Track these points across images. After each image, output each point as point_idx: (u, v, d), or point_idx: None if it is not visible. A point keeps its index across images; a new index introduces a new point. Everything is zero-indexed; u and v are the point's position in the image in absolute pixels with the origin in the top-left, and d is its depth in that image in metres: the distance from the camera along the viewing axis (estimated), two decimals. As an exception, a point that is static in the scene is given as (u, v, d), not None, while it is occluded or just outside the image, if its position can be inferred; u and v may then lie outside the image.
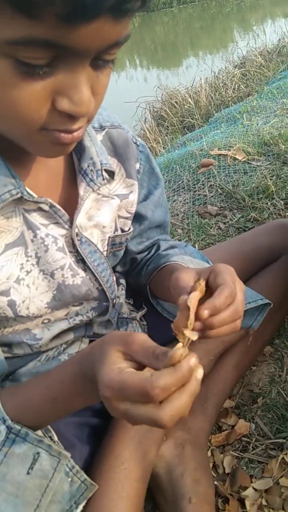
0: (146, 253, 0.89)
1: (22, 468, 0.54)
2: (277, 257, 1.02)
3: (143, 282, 0.88)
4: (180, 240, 1.53)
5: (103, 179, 0.65)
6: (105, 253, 0.73)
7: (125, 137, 0.73)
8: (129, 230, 0.80)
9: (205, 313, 0.52)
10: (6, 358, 0.68)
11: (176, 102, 4.20)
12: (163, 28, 11.38)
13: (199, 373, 0.43)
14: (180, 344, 0.46)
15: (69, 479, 0.58)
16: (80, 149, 0.64)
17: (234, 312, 0.54)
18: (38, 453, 0.54)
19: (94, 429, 0.76)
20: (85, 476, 0.59)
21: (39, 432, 0.57)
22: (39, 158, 0.60)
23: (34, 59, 0.39)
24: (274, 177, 1.72)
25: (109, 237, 0.74)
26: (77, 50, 0.40)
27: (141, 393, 0.41)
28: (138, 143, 0.78)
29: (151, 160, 0.81)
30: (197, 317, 0.52)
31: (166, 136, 3.69)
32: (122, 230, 0.78)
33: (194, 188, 1.80)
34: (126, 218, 0.79)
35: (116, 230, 0.76)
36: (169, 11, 12.92)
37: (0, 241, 0.59)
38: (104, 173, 0.66)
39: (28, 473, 0.54)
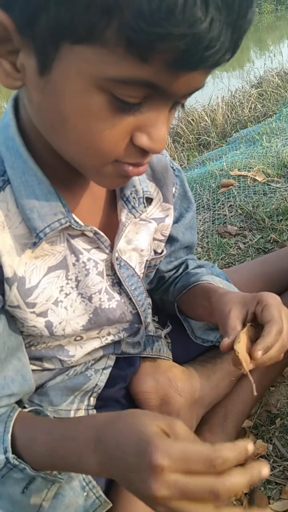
0: (174, 271, 0.91)
1: (17, 487, 0.57)
2: (301, 280, 1.03)
3: (170, 299, 0.90)
4: (200, 259, 1.55)
5: (144, 206, 0.68)
6: (141, 275, 0.75)
7: (164, 163, 0.75)
8: (162, 252, 0.81)
9: (259, 354, 0.56)
10: (34, 371, 0.70)
11: (192, 120, 4.25)
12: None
13: (264, 470, 0.43)
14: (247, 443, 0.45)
15: (85, 494, 0.61)
16: None
17: (282, 347, 0.59)
18: (34, 477, 0.57)
19: None
20: (101, 492, 0.61)
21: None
22: (85, 184, 0.62)
23: (130, 97, 0.41)
24: (294, 199, 1.75)
25: (147, 260, 0.76)
26: (170, 93, 0.42)
27: (205, 461, 0.40)
28: (174, 167, 0.80)
29: (185, 183, 0.83)
30: (251, 356, 0.57)
31: (182, 153, 3.73)
32: (155, 252, 0.80)
33: (214, 207, 1.83)
34: (160, 240, 0.80)
35: (150, 253, 0.78)
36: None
37: (43, 264, 0.60)
38: (151, 197, 0.69)
39: (23, 492, 0.57)
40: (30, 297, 0.60)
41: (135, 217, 0.67)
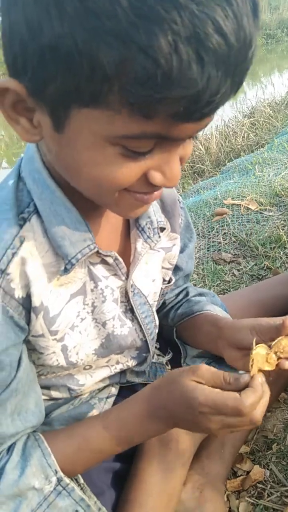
0: (173, 297, 0.94)
1: None
2: (293, 307, 1.06)
3: (169, 324, 0.94)
4: (195, 285, 1.58)
5: (159, 236, 0.70)
6: (155, 303, 0.78)
7: (173, 196, 0.78)
8: (170, 281, 0.84)
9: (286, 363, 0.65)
10: None
11: (187, 148, 4.32)
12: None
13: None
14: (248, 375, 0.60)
15: None
16: None
17: None
18: (77, 510, 0.59)
19: (116, 473, 0.78)
20: None
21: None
22: (103, 214, 0.64)
23: (140, 148, 0.43)
24: (286, 227, 1.79)
25: (162, 288, 0.79)
26: (179, 138, 0.44)
27: (236, 411, 0.56)
28: (180, 200, 0.82)
29: (188, 215, 0.87)
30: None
31: (177, 180, 3.79)
32: (164, 280, 0.82)
33: (209, 235, 1.87)
34: (168, 269, 0.82)
35: (162, 281, 0.81)
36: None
37: (66, 291, 0.62)
38: (165, 226, 0.73)
39: None
40: (54, 325, 0.61)
41: (150, 247, 0.70)
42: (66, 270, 0.58)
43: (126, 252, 0.69)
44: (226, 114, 5.32)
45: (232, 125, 4.72)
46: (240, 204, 1.95)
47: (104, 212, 0.64)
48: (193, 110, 0.38)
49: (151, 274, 0.75)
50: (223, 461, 0.91)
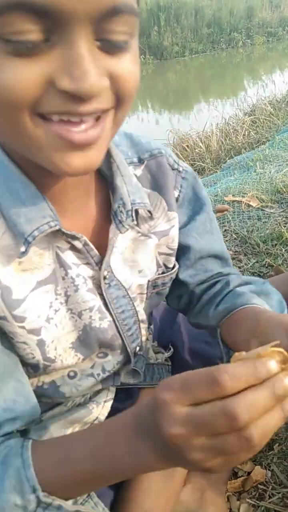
0: (206, 286, 0.78)
1: None
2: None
3: (211, 323, 0.75)
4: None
5: (133, 220, 0.62)
6: (144, 296, 0.70)
7: (163, 166, 0.68)
8: (173, 267, 0.74)
9: None
10: None
11: (187, 146, 4.32)
12: (175, 75, 11.85)
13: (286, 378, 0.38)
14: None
15: None
16: (114, 189, 0.62)
17: None
18: None
19: None
20: None
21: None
22: (76, 198, 0.58)
23: (23, 33, 0.35)
24: (288, 224, 1.78)
25: (149, 281, 0.70)
26: (62, 9, 0.35)
27: (208, 383, 0.38)
28: (181, 169, 0.72)
29: (197, 187, 0.75)
30: None
31: (178, 178, 3.78)
32: (166, 267, 0.73)
33: (209, 232, 1.85)
34: (168, 254, 0.73)
35: (158, 268, 0.71)
36: (182, 60, 13.47)
37: (32, 278, 0.56)
38: (142, 212, 0.64)
39: None
40: (17, 309, 0.56)
41: (121, 232, 0.62)
42: (24, 253, 0.52)
43: (104, 239, 0.62)
44: (226, 112, 5.32)
45: (233, 122, 4.73)
46: (241, 201, 1.93)
47: (71, 194, 0.57)
48: None
49: (138, 265, 0.67)
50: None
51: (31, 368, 0.61)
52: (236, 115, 5.10)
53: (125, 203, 0.61)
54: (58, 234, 0.56)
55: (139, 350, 0.74)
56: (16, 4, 0.34)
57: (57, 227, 0.53)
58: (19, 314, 0.56)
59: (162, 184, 0.68)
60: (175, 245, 0.73)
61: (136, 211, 0.64)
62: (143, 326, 0.72)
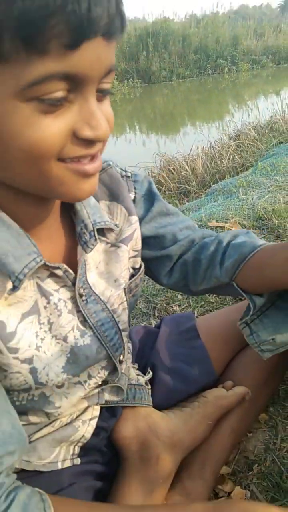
0: (195, 250, 0.84)
1: None
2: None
3: (222, 281, 0.81)
4: (179, 306, 1.60)
5: (96, 239, 0.67)
6: (125, 303, 0.75)
7: (115, 176, 0.75)
8: (140, 268, 0.80)
9: None
10: None
11: (173, 169, 4.39)
12: (162, 98, 12.11)
13: None
14: None
15: None
16: (75, 212, 0.67)
17: None
18: None
19: (99, 492, 0.78)
20: None
21: None
22: (49, 226, 0.63)
23: (52, 92, 0.43)
24: (268, 249, 1.83)
25: (124, 289, 0.74)
26: (83, 74, 0.44)
27: None
28: (129, 174, 0.79)
29: (149, 186, 0.81)
30: None
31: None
32: (134, 269, 0.79)
33: (193, 256, 1.90)
34: (135, 256, 0.79)
35: (129, 273, 0.77)
36: (169, 84, 13.80)
37: (16, 311, 0.59)
38: (111, 226, 0.70)
39: None
40: (12, 341, 0.58)
41: (86, 252, 0.66)
42: (14, 288, 0.56)
43: (74, 259, 0.67)
44: (212, 136, 5.45)
45: (218, 147, 4.82)
46: (224, 227, 1.99)
47: (46, 222, 0.62)
48: (78, 21, 0.40)
49: (112, 275, 0.72)
50: (204, 481, 0.90)
51: (22, 391, 0.64)
52: (221, 140, 5.22)
53: (87, 224, 0.66)
54: (41, 267, 0.60)
55: (123, 357, 0.79)
56: (55, 74, 0.42)
57: (42, 262, 0.58)
58: (13, 345, 0.59)
59: (118, 193, 0.75)
60: (139, 246, 0.79)
61: (99, 230, 0.69)
62: (125, 334, 0.76)
